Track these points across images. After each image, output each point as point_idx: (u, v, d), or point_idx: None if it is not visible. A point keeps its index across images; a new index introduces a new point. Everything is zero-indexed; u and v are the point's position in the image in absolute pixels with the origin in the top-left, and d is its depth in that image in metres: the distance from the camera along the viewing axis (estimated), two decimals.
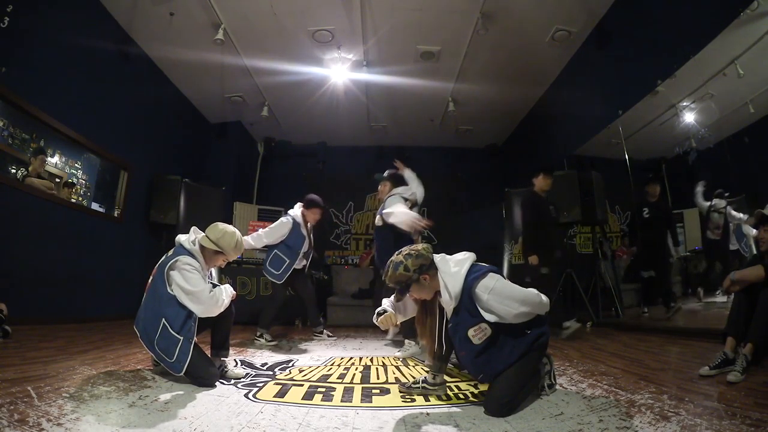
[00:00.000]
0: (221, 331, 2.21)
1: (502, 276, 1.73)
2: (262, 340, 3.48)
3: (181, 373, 1.88)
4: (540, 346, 1.70)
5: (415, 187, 3.33)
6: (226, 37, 4.53)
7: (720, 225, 2.89)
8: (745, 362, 1.83)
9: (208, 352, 2.12)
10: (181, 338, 1.90)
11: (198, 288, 1.95)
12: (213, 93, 6.02)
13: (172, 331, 1.90)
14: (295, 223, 3.62)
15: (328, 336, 3.81)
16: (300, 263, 3.67)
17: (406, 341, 3.09)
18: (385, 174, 3.39)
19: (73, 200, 4.53)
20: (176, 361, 1.88)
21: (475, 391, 1.84)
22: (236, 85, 5.77)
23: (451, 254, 1.84)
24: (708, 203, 3.63)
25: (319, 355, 2.89)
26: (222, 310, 2.05)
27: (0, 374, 1.78)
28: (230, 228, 2.18)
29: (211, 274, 2.26)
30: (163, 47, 4.94)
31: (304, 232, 3.66)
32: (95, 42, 4.22)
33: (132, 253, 4.86)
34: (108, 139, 4.55)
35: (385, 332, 3.79)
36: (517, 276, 4.65)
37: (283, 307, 3.71)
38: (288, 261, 3.55)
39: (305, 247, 3.66)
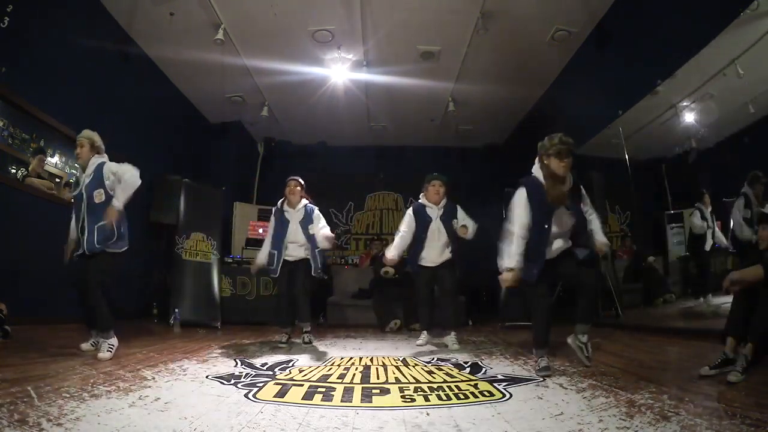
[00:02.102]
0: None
1: None
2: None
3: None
4: None
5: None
6: (226, 37, 4.53)
7: None
8: (745, 362, 1.83)
9: None
10: None
11: None
12: (213, 93, 6.02)
13: None
14: (277, 210, 3.58)
15: (304, 342, 3.47)
16: (293, 253, 3.49)
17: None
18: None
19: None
20: None
21: (475, 391, 1.84)
22: (236, 85, 5.77)
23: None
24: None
25: (319, 355, 2.89)
26: None
27: (0, 374, 1.78)
28: None
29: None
30: (163, 47, 4.93)
31: (288, 216, 3.54)
32: (95, 42, 4.21)
33: (132, 253, 4.85)
34: (108, 139, 4.53)
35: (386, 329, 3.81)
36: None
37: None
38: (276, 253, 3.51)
39: (290, 235, 3.48)
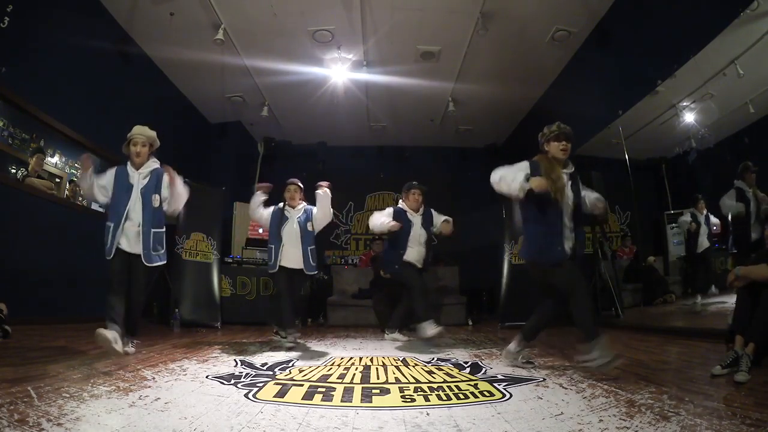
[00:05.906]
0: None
1: None
2: (278, 337, 3.52)
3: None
4: None
5: None
6: (226, 37, 4.53)
7: None
8: (749, 362, 1.83)
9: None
10: None
11: None
12: (213, 93, 6.03)
13: None
14: (277, 209, 3.56)
15: (288, 345, 3.22)
16: (291, 257, 3.37)
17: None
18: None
19: (75, 201, 4.53)
20: None
21: (476, 391, 1.84)
22: (236, 85, 5.77)
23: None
24: None
25: (319, 355, 2.89)
26: None
27: (0, 374, 1.78)
28: None
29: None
30: (163, 47, 4.94)
31: (288, 215, 3.49)
32: (95, 42, 4.22)
33: None
34: (108, 139, 4.54)
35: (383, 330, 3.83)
36: (520, 278, 4.65)
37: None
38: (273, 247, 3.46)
39: (287, 232, 3.40)
